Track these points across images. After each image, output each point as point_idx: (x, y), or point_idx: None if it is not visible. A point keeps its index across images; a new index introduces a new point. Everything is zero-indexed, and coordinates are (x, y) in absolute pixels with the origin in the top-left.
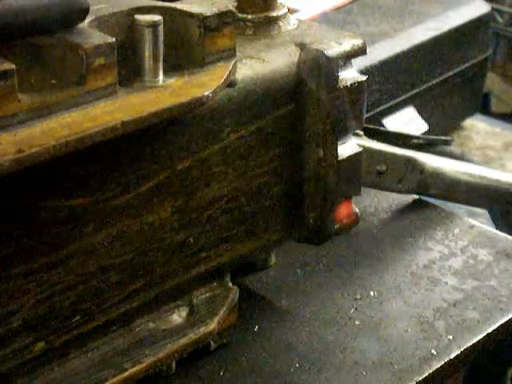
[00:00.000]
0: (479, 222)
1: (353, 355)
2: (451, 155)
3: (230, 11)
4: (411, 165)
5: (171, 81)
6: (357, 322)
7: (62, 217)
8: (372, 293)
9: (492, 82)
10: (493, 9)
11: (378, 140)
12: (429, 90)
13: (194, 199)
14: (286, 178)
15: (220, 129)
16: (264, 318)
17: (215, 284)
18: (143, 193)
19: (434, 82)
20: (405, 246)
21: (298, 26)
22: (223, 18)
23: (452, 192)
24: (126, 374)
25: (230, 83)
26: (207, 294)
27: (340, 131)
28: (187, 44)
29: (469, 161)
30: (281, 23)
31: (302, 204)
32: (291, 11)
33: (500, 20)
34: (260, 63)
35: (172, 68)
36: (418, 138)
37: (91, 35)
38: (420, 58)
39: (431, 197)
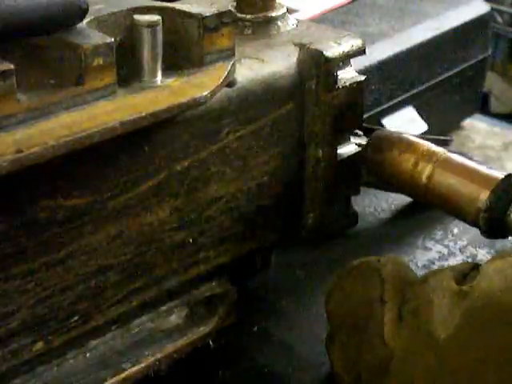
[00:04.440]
0: None
1: None
2: None
3: (229, 11)
4: None
5: (170, 81)
6: None
7: (61, 217)
8: None
9: (491, 81)
10: (493, 9)
11: None
12: (428, 89)
13: (193, 199)
14: (285, 178)
15: (219, 129)
16: (264, 317)
17: (214, 284)
18: (142, 193)
19: (433, 81)
20: (404, 245)
21: (297, 25)
22: (222, 18)
23: None
24: (125, 374)
25: (229, 83)
26: (206, 294)
27: (339, 131)
28: (186, 44)
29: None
30: (280, 23)
31: (301, 204)
32: (290, 11)
33: (500, 20)
34: (259, 63)
35: (171, 68)
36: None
37: (90, 35)
38: (419, 57)
39: None
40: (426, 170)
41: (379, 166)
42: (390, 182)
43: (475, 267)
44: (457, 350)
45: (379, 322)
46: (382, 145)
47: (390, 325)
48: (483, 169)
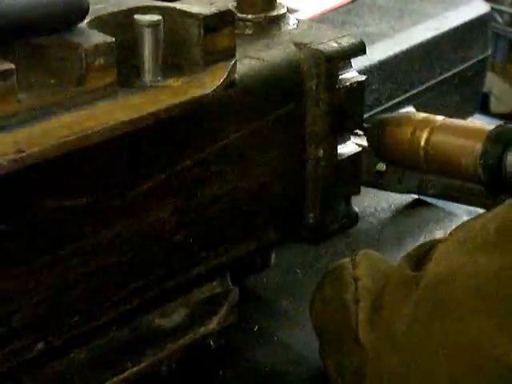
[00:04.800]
0: None
1: None
2: None
3: (230, 11)
4: None
5: (171, 81)
6: None
7: (61, 217)
8: None
9: (491, 81)
10: (493, 9)
11: None
12: (428, 89)
13: (194, 199)
14: (285, 178)
15: (220, 129)
16: (264, 317)
17: (215, 284)
18: (143, 193)
19: (433, 81)
20: (404, 245)
21: (297, 25)
22: (223, 17)
23: (452, 192)
24: (126, 373)
25: (230, 83)
26: (207, 294)
27: (339, 131)
28: (187, 44)
29: None
30: (280, 23)
31: (301, 204)
32: (291, 11)
33: (500, 20)
34: (259, 63)
35: (172, 68)
36: None
37: (91, 35)
38: (419, 58)
39: (431, 197)
40: (423, 134)
41: (379, 141)
42: (390, 155)
43: (434, 245)
44: (411, 345)
45: (354, 323)
46: (380, 122)
47: (363, 325)
48: (478, 124)
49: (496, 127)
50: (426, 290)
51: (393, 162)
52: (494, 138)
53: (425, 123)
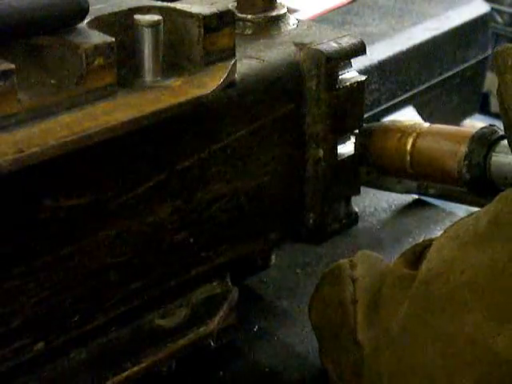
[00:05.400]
0: None
1: None
2: None
3: (230, 11)
4: None
5: (171, 81)
6: None
7: (61, 217)
8: None
9: (491, 81)
10: (493, 9)
11: None
12: (428, 89)
13: (194, 199)
14: (286, 178)
15: (219, 129)
16: (264, 318)
17: (215, 284)
18: (143, 193)
19: (433, 81)
20: (404, 245)
21: (297, 25)
22: (223, 17)
23: (451, 192)
24: (126, 373)
25: (230, 83)
26: (207, 294)
27: (339, 131)
28: (187, 44)
29: None
30: (280, 23)
31: (301, 204)
32: (291, 11)
33: (500, 20)
34: (259, 63)
35: (171, 68)
36: None
37: (90, 35)
38: (419, 57)
39: (431, 197)
40: (409, 140)
41: (366, 148)
42: (377, 162)
43: (430, 244)
44: (407, 342)
45: (352, 323)
46: (367, 129)
47: (361, 325)
48: (463, 129)
49: (480, 128)
50: (420, 287)
51: (380, 168)
52: (478, 139)
53: (411, 129)
